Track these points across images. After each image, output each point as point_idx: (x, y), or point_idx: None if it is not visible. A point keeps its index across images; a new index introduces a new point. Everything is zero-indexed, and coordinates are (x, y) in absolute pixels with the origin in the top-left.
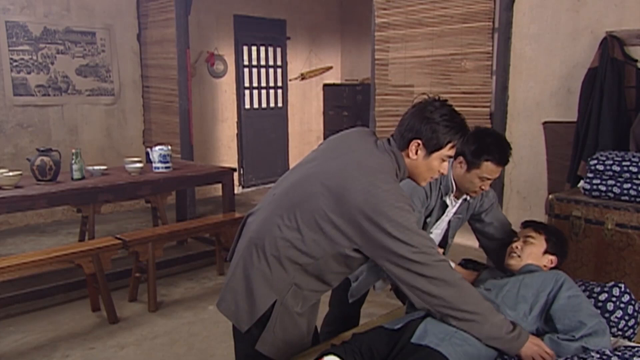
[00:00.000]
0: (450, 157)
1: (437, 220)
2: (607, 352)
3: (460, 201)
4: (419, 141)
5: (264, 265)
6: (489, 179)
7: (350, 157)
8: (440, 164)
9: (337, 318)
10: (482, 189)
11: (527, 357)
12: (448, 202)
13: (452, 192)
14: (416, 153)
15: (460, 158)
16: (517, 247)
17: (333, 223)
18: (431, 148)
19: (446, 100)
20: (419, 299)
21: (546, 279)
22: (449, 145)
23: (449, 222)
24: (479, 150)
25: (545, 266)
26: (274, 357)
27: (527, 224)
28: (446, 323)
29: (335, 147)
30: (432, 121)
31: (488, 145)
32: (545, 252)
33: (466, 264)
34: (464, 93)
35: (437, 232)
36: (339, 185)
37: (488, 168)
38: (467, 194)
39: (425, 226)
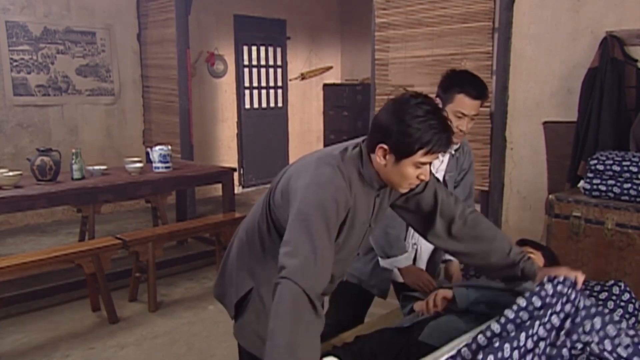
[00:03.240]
0: (426, 163)
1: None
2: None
3: (447, 156)
4: (385, 145)
5: (245, 252)
6: (464, 115)
7: (320, 150)
8: (415, 170)
9: (340, 321)
10: (460, 130)
11: None
12: None
13: None
14: (384, 158)
15: (437, 99)
16: None
17: (281, 204)
18: (400, 154)
19: (426, 96)
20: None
21: None
22: (421, 151)
23: (444, 180)
24: (451, 84)
25: None
26: (250, 350)
27: (523, 242)
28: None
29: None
30: (401, 122)
31: (460, 78)
32: (544, 267)
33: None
34: None
35: None
36: (293, 170)
37: (461, 101)
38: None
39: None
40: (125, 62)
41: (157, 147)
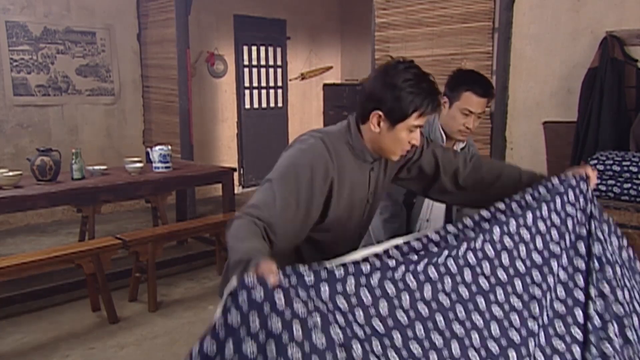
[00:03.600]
0: (419, 126)
1: None
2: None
3: None
4: (380, 112)
5: None
6: (471, 113)
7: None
8: (408, 135)
9: None
10: (467, 127)
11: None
12: None
13: (443, 142)
14: (378, 125)
15: (444, 98)
16: None
17: None
18: (395, 119)
19: (412, 62)
20: None
21: None
22: (416, 114)
23: None
24: (458, 82)
25: None
26: None
27: None
28: None
29: None
30: (394, 88)
31: (466, 77)
32: None
33: None
34: None
35: None
36: None
37: (468, 99)
38: (455, 139)
39: None
40: (125, 62)
41: (157, 147)
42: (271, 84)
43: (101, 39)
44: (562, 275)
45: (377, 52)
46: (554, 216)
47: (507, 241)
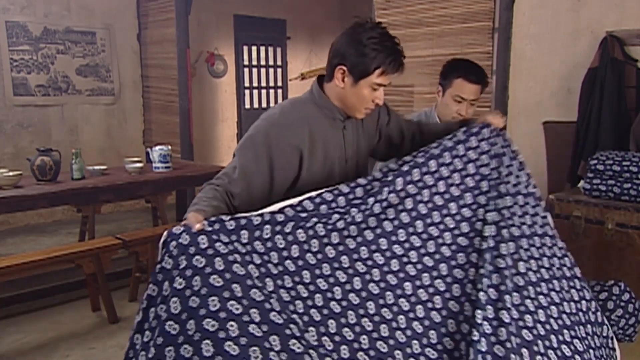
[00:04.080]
0: (381, 85)
1: None
2: None
3: None
4: (344, 67)
5: None
6: (463, 99)
7: None
8: (371, 92)
9: None
10: (460, 115)
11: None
12: None
13: None
14: (343, 80)
15: (439, 87)
16: None
17: None
18: (358, 74)
19: (380, 23)
20: None
21: None
22: (378, 71)
23: None
24: (450, 70)
25: None
26: None
27: None
28: None
29: None
30: (359, 44)
31: (458, 65)
32: None
33: None
34: None
35: None
36: None
37: (460, 85)
38: None
39: None
40: (125, 62)
41: (157, 147)
42: (271, 84)
43: (101, 39)
44: (466, 213)
45: None
46: (457, 161)
47: (410, 188)
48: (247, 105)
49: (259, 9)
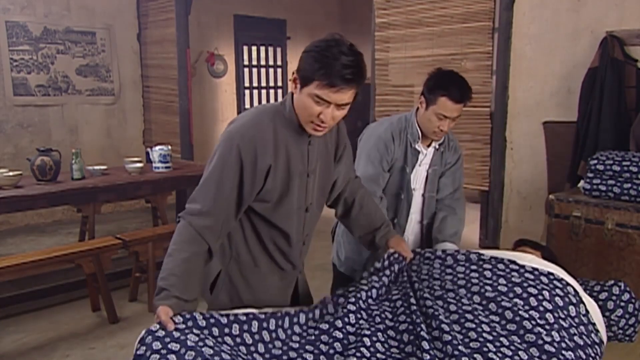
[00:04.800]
0: (321, 98)
1: (412, 170)
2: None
3: (431, 149)
4: (296, 75)
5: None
6: (445, 117)
7: None
8: (314, 104)
9: None
10: (441, 130)
11: None
12: (419, 148)
13: (419, 139)
14: (295, 85)
15: (422, 98)
16: None
17: None
18: (302, 81)
19: (340, 38)
20: None
21: None
22: (315, 82)
23: (427, 173)
24: (435, 86)
25: None
26: None
27: (523, 242)
28: None
29: None
30: (307, 51)
31: (444, 81)
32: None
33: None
34: None
35: (415, 187)
36: None
37: (443, 104)
38: (430, 137)
39: (404, 175)
40: (125, 62)
41: (157, 147)
42: (271, 84)
43: (101, 39)
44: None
45: (377, 52)
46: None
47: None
48: (247, 105)
49: (259, 9)
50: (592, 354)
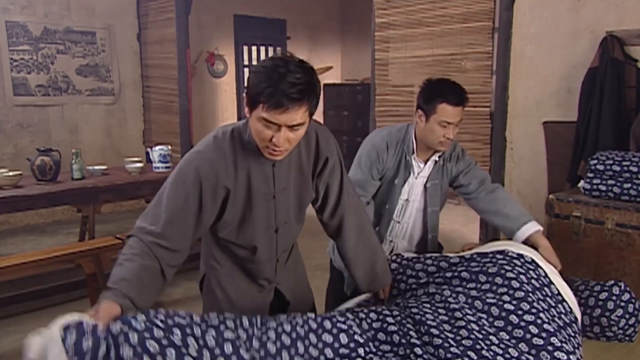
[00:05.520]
0: (269, 121)
1: (404, 183)
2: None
3: (430, 164)
4: (246, 98)
5: (203, 241)
6: (449, 123)
7: None
8: (261, 128)
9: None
10: (447, 138)
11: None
12: (413, 162)
13: (414, 152)
14: (247, 110)
15: (419, 112)
16: None
17: None
18: (249, 104)
19: (293, 57)
20: None
21: None
22: (261, 105)
23: (426, 187)
24: (431, 95)
25: None
26: None
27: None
28: None
29: None
30: (254, 72)
31: (439, 88)
32: None
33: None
34: None
35: (412, 199)
36: None
37: (444, 110)
38: (435, 150)
39: (393, 187)
40: (125, 62)
41: (157, 147)
42: None
43: (101, 39)
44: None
45: (377, 52)
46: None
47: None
48: None
49: (259, 9)
50: (572, 333)
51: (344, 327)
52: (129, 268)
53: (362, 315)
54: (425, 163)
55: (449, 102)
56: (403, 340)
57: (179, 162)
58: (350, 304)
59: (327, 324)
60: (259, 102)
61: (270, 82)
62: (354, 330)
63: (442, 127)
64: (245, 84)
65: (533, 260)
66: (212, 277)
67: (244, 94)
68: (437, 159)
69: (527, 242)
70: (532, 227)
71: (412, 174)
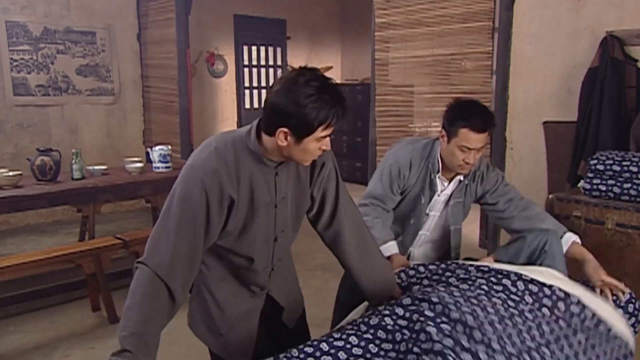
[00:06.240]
0: (327, 135)
1: (430, 200)
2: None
3: (455, 183)
4: (286, 129)
5: None
6: (469, 149)
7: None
8: (317, 144)
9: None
10: (467, 162)
11: None
12: (437, 181)
13: (439, 171)
14: (286, 139)
15: (442, 131)
16: None
17: None
18: (301, 135)
19: (312, 70)
20: None
21: None
22: (321, 127)
23: (448, 205)
24: (454, 118)
25: None
26: (202, 340)
27: None
28: None
29: None
30: (297, 105)
31: (463, 111)
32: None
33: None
34: (464, 93)
35: (433, 214)
36: None
37: (466, 135)
38: (456, 172)
39: (418, 204)
40: (125, 62)
41: (157, 147)
42: (271, 84)
43: (101, 39)
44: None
45: (377, 52)
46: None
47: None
48: (247, 105)
49: (259, 9)
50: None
51: (341, 343)
52: (139, 317)
53: (359, 319)
54: (450, 182)
55: (471, 127)
56: (411, 324)
57: (181, 177)
58: (359, 311)
59: (324, 347)
60: (317, 127)
61: (328, 105)
62: (351, 343)
63: (462, 152)
64: (282, 120)
65: (579, 301)
66: (200, 281)
67: (281, 129)
68: (461, 178)
69: (568, 254)
70: (571, 237)
71: (435, 192)
